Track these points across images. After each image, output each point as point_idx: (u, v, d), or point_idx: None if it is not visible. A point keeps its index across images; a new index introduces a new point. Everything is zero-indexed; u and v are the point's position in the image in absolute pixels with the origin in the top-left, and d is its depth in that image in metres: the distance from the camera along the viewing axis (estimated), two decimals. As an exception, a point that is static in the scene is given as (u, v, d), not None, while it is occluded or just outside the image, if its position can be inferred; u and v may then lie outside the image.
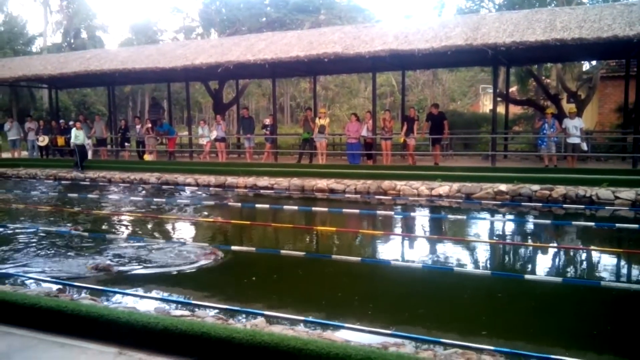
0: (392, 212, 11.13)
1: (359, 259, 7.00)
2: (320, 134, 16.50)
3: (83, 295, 5.36)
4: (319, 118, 16.82)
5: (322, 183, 13.95)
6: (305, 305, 5.36)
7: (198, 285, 6.18)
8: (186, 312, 4.56)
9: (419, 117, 17.80)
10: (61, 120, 22.06)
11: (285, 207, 11.76)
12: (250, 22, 28.82)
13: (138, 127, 20.42)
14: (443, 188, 12.68)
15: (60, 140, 20.73)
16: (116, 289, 5.68)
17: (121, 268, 6.63)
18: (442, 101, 29.07)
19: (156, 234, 9.02)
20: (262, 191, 14.18)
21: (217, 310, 4.89)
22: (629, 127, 16.11)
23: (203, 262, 6.85)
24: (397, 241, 8.80)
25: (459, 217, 10.55)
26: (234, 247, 7.46)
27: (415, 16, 39.88)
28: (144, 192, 14.72)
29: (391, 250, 8.19)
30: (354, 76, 32.53)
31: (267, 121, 18.57)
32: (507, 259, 7.77)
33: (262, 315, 4.72)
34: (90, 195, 13.81)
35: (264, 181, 14.69)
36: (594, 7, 13.57)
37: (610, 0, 19.67)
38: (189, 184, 15.45)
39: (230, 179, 15.09)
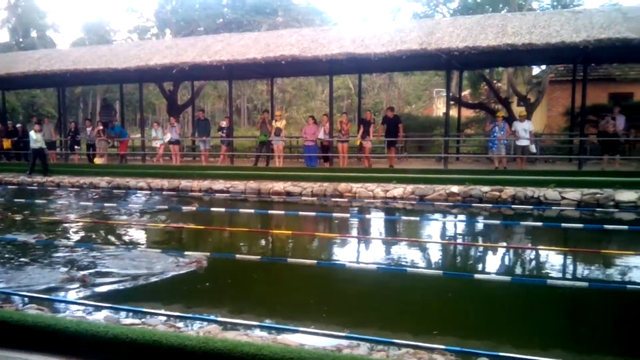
0: (348, 215, 11.21)
1: (315, 261, 7.03)
2: (277, 136, 16.47)
3: (29, 305, 5.17)
4: (276, 120, 16.80)
5: (279, 186, 13.92)
6: (261, 309, 5.34)
7: (161, 293, 6.04)
8: (137, 321, 4.46)
9: (374, 120, 18.00)
10: (9, 122, 21.25)
11: (242, 210, 11.67)
12: (206, 22, 28.46)
13: (89, 129, 19.89)
14: (397, 190, 12.88)
15: (7, 143, 19.96)
16: (66, 298, 5.50)
17: (97, 279, 6.33)
18: (397, 104, 29.54)
19: (122, 242, 8.77)
20: (217, 195, 14.03)
21: (168, 318, 4.80)
22: (576, 130, 16.76)
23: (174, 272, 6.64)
24: (353, 243, 8.88)
25: (413, 218, 10.76)
26: (187, 253, 7.34)
27: (371, 20, 40.28)
28: (97, 196, 14.32)
29: (346, 253, 8.25)
30: (311, 79, 32.58)
31: (224, 123, 18.41)
32: (458, 259, 7.96)
33: (216, 321, 4.67)
34: (40, 201, 13.31)
35: (219, 184, 14.54)
36: (544, 13, 14.08)
37: (559, 7, 20.50)
38: (141, 188, 15.12)
39: (184, 183, 14.87)
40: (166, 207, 12.27)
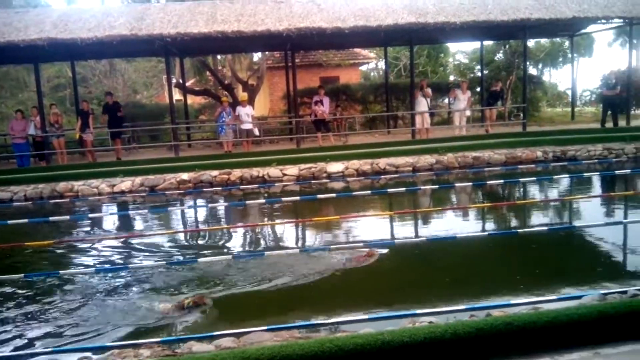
0: (68, 217, 10.23)
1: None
2: (-27, 136, 14.11)
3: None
4: (-31, 118, 14.36)
5: (-20, 193, 11.99)
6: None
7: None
8: None
9: (93, 110, 16.75)
10: None
11: None
12: None
13: None
14: (125, 183, 12.36)
15: None
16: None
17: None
18: (123, 92, 28.02)
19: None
20: None
21: None
22: (293, 112, 18.27)
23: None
24: (73, 247, 8.11)
25: (142, 211, 10.47)
26: None
27: (79, 3, 37.08)
28: None
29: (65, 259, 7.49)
30: (18, 67, 28.52)
31: None
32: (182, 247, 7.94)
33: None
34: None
35: None
36: (250, 2, 14.80)
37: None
38: None
39: None
40: None
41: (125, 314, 4.86)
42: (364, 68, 30.38)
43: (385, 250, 6.41)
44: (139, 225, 9.63)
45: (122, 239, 8.25)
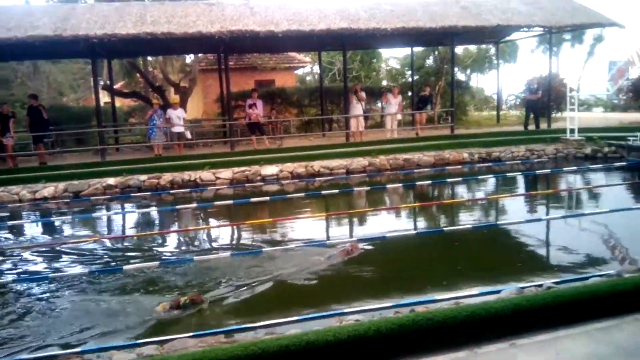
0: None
1: None
2: None
3: None
4: None
5: None
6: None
7: None
8: None
9: (14, 113, 15.82)
10: None
11: None
12: None
13: None
14: (48, 189, 11.77)
15: None
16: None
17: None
18: (49, 95, 26.71)
19: None
20: None
21: None
22: (227, 115, 18.03)
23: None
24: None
25: (65, 218, 10.01)
26: None
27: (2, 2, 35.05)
28: None
29: None
30: None
31: None
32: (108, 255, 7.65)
33: None
34: None
35: None
36: (181, 4, 14.50)
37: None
38: None
39: None
40: None
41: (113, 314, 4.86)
42: (299, 72, 30.45)
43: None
44: (60, 232, 9.20)
45: (43, 247, 7.85)
